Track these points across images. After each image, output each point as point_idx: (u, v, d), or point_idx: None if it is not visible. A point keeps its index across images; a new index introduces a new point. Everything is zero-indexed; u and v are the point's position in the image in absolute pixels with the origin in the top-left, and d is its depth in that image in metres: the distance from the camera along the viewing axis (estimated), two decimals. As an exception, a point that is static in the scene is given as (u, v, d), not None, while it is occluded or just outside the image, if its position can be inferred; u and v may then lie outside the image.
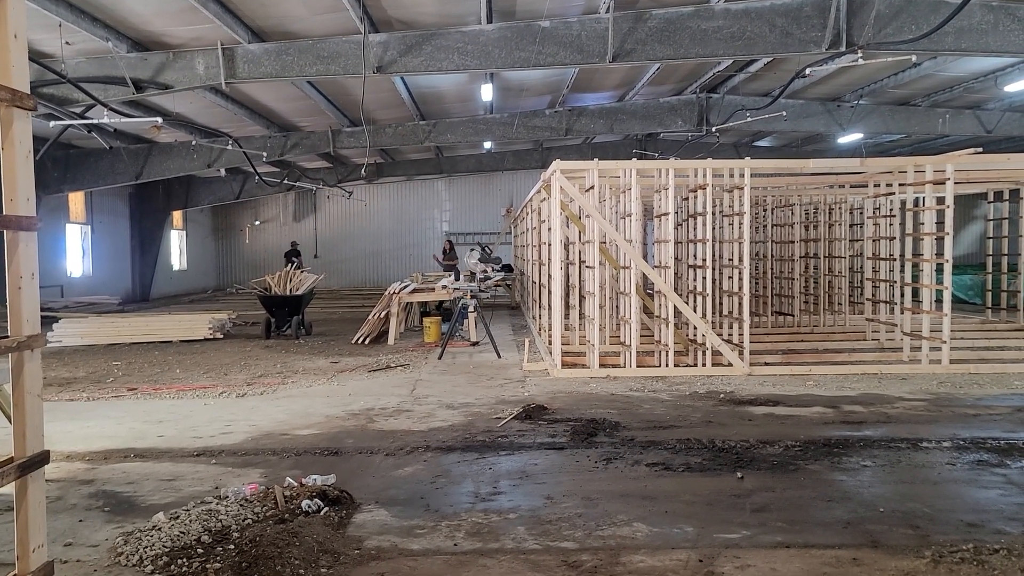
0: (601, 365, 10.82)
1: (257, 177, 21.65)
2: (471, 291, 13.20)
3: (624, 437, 7.25)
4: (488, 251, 14.15)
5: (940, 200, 10.75)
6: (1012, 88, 14.90)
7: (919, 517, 5.12)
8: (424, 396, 9.38)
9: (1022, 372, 10.41)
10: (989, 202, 16.10)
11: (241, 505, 5.12)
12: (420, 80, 15.52)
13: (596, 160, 11.04)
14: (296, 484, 5.55)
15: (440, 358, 12.31)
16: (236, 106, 16.48)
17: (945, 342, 10.74)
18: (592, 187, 10.99)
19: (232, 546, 4.46)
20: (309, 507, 5.09)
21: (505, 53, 11.18)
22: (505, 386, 9.98)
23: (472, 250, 13.81)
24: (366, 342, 14.43)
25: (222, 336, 15.62)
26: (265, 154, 19.14)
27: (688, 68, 15.52)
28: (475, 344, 13.68)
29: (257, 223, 33.34)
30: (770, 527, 4.97)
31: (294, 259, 26.05)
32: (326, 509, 5.11)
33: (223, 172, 24.67)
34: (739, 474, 6.08)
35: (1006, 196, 15.51)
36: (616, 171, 11.47)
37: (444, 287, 14.35)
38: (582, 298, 12.54)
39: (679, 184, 11.89)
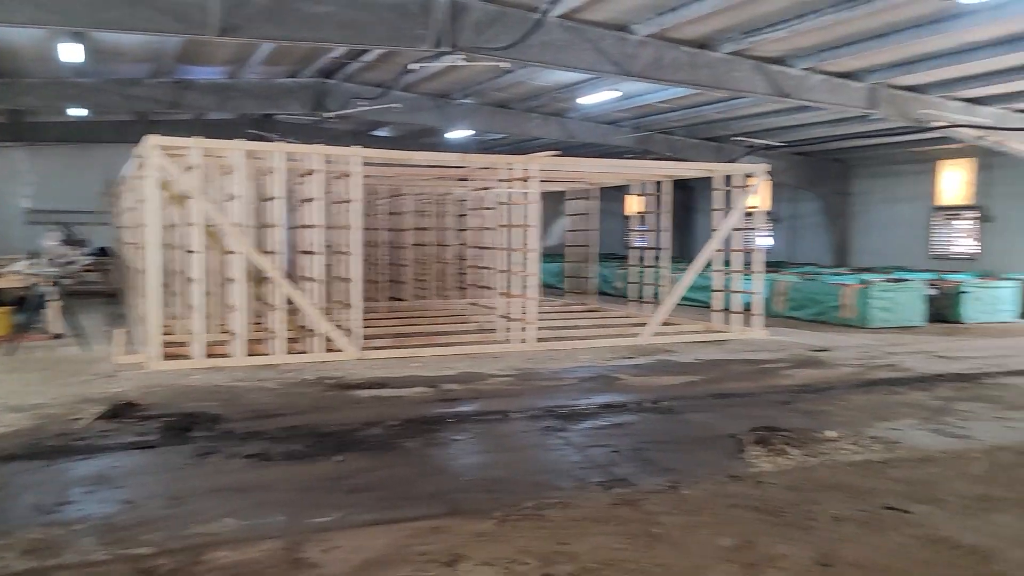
0: (209, 355, 10.25)
1: None
2: (52, 277, 11.59)
3: (224, 430, 6.94)
4: (70, 232, 12.56)
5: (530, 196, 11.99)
6: (584, 100, 17.19)
7: (496, 482, 5.66)
8: (-16, 399, 8.03)
9: (588, 347, 12.09)
10: (569, 199, 18.42)
11: None
12: (-14, 30, 13.18)
13: (198, 138, 10.38)
14: None
15: (10, 354, 10.65)
16: None
17: (532, 323, 12.04)
18: (194, 166, 10.31)
19: None
20: None
21: (90, 11, 9.93)
22: (91, 383, 8.96)
23: (51, 231, 12.14)
24: (-90, 338, 11.94)
25: None
26: None
27: (303, 51, 15.29)
28: (57, 337, 12.07)
29: None
30: (363, 507, 5.12)
31: None
32: None
33: None
34: (340, 457, 6.16)
35: (581, 194, 17.87)
36: (222, 151, 10.90)
37: (17, 272, 12.42)
38: (186, 284, 11.73)
39: (294, 168, 11.68)
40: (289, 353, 10.67)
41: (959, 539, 4.59)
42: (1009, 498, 5.34)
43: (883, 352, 11.95)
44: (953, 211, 22.59)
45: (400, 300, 17.08)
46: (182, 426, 6.96)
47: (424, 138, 24.63)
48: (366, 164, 11.68)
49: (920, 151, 22.62)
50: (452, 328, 14.05)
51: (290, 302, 10.80)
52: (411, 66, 12.40)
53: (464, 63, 11.61)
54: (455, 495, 5.36)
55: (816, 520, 4.89)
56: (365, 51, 14.89)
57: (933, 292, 16.00)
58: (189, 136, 10.44)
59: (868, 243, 25.19)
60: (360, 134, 24.19)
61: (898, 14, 11.19)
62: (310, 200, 10.95)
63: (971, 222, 22.15)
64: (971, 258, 21.87)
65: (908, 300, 15.20)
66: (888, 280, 16.25)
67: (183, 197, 10.64)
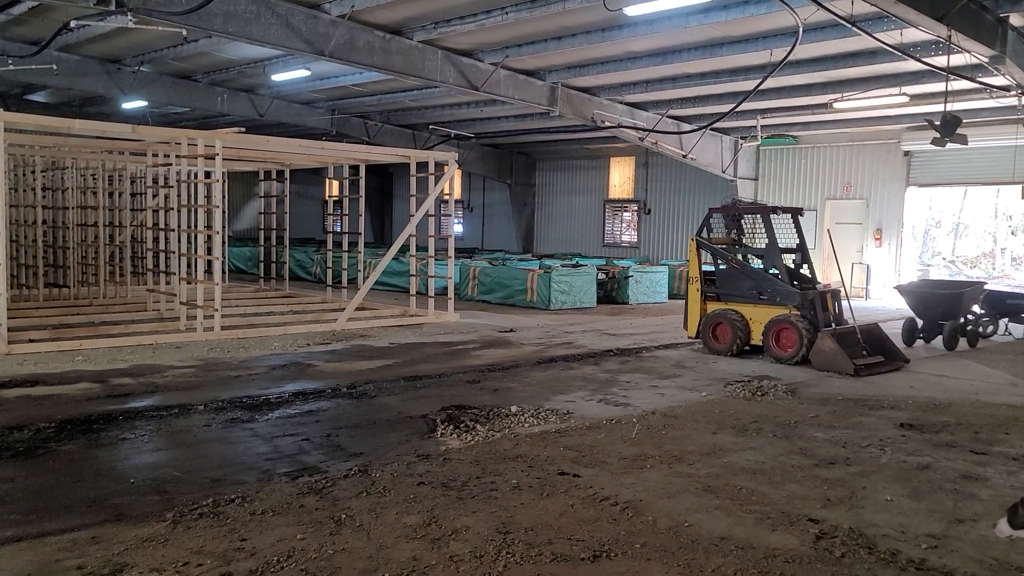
0: None
1: None
2: None
3: None
4: None
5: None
6: (278, 77, 16.45)
7: (168, 482, 5.20)
8: None
9: (281, 334, 11.65)
10: (261, 180, 17.58)
11: None
12: None
13: None
14: None
15: None
16: None
17: (217, 310, 11.30)
18: None
19: None
20: None
21: None
22: None
23: None
24: None
25: None
26: None
27: (-71, -7, 12.85)
28: None
29: None
30: (2, 522, 4.43)
31: None
32: None
33: None
34: (-29, 469, 5.28)
35: (274, 176, 17.13)
36: None
37: None
38: None
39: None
40: (-89, 351, 8.97)
41: (618, 496, 5.09)
42: (657, 455, 6.04)
43: (561, 331, 12.97)
44: (620, 204, 25.26)
45: (62, 287, 15.14)
46: None
47: (92, 106, 22.07)
48: (12, 131, 10.14)
49: (594, 148, 24.95)
50: (127, 317, 12.77)
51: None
52: (72, 24, 10.93)
53: (133, 25, 10.49)
54: (120, 499, 4.84)
55: (497, 490, 5.14)
56: (13, 3, 12.91)
57: (603, 276, 17.73)
58: None
59: (551, 231, 27.30)
60: (11, 97, 21.03)
61: (572, 19, 12.14)
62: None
63: (633, 214, 24.96)
64: (634, 246, 24.65)
65: (583, 284, 16.66)
66: (566, 266, 17.71)
67: None
